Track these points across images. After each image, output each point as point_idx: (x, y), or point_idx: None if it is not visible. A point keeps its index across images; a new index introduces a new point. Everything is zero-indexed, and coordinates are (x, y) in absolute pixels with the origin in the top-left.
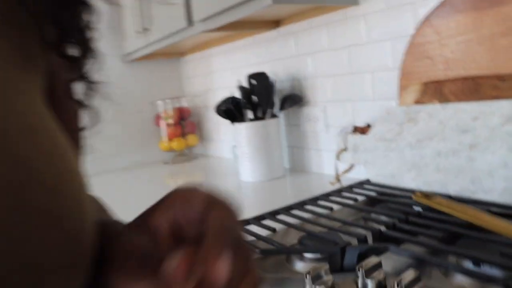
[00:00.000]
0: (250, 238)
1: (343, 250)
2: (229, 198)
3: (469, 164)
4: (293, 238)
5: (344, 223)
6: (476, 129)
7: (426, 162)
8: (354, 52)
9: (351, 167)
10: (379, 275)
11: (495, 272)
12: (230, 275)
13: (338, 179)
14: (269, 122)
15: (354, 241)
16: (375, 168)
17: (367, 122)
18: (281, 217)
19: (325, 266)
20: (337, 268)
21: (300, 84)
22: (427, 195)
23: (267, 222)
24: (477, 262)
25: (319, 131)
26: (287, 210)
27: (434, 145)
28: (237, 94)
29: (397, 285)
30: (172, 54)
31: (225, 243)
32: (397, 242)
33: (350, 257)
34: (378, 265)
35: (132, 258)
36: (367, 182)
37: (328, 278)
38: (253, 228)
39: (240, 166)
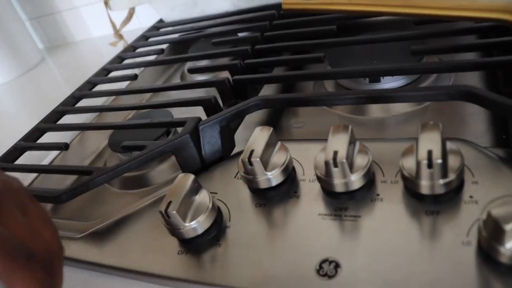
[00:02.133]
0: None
1: (194, 134)
2: None
3: None
4: (93, 147)
5: (166, 89)
6: None
7: None
8: None
9: (131, 13)
10: (281, 157)
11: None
12: None
13: (119, 35)
14: None
15: (198, 113)
16: (165, 0)
17: None
18: (67, 118)
19: (189, 177)
20: (195, 167)
21: None
22: None
23: (47, 136)
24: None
25: None
26: (70, 103)
27: None
28: None
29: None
30: None
31: None
32: (255, 89)
33: (210, 141)
34: (272, 143)
35: None
36: (161, 23)
37: (202, 196)
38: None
39: None
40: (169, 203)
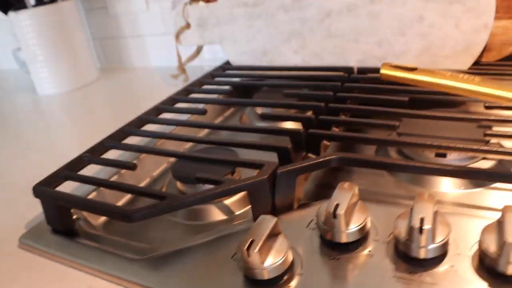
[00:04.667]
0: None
1: (271, 179)
2: None
3: (373, 23)
4: (150, 172)
5: (241, 130)
6: None
7: (311, 27)
8: None
9: (198, 51)
10: (361, 214)
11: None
12: None
13: (182, 69)
14: (63, 6)
15: (271, 157)
16: (236, 45)
17: None
18: (131, 139)
19: (272, 220)
20: (265, 211)
21: None
22: (405, 67)
23: (112, 153)
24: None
25: (137, 11)
26: (136, 125)
27: (320, 2)
28: None
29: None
30: None
31: None
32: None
33: (284, 188)
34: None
35: None
36: (228, 65)
37: (280, 240)
38: (92, 168)
39: (33, 76)
40: (251, 241)
